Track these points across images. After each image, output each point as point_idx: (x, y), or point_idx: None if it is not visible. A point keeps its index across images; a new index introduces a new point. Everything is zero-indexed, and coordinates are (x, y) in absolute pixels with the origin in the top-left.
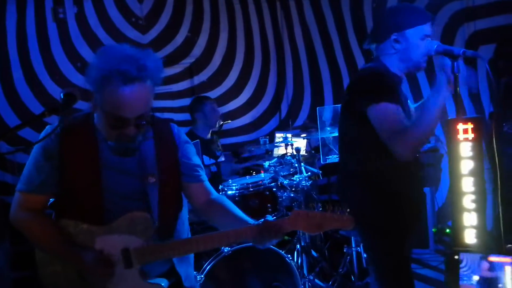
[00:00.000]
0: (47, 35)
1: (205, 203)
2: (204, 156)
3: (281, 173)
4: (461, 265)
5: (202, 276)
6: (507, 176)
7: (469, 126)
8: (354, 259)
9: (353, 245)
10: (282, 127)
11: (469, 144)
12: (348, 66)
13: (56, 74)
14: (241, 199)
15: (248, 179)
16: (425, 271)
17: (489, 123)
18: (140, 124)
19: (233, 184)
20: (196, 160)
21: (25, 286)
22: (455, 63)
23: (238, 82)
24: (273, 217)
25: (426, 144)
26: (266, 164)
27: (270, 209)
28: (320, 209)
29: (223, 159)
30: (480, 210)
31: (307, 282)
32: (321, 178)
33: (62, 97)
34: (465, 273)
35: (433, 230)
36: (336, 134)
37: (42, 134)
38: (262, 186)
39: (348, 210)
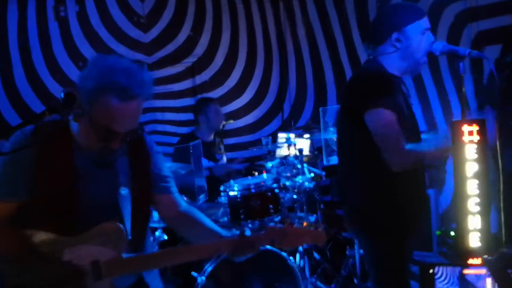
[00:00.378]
0: (49, 34)
1: (174, 215)
2: (203, 159)
3: (284, 174)
4: (439, 278)
5: (204, 277)
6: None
7: (474, 128)
8: (357, 261)
9: (356, 247)
10: (285, 128)
11: (474, 146)
12: (352, 66)
13: (57, 72)
14: (243, 200)
15: (250, 180)
16: None
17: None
18: (125, 139)
19: (235, 185)
20: (166, 171)
21: None
22: (461, 63)
23: (241, 82)
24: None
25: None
26: (269, 164)
27: (272, 210)
28: (295, 224)
29: (224, 161)
30: (485, 213)
31: (309, 284)
32: (324, 179)
33: (62, 96)
34: (444, 286)
35: (437, 232)
36: None
37: (13, 139)
38: (264, 187)
39: (321, 225)
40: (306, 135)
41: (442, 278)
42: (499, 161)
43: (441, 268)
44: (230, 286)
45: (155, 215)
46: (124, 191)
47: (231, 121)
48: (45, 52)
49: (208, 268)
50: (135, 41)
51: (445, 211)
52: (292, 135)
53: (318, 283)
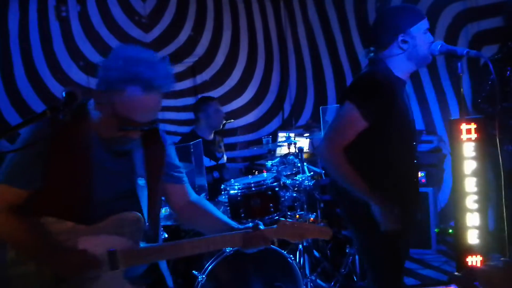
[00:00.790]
0: (50, 34)
1: (184, 205)
2: (205, 157)
3: (284, 172)
4: None
5: (204, 276)
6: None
7: (472, 126)
8: (356, 260)
9: (355, 244)
10: (285, 127)
11: (472, 144)
12: (352, 65)
13: (58, 72)
14: (243, 199)
15: (250, 179)
16: (427, 271)
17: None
18: (143, 129)
19: (236, 184)
20: (178, 162)
21: None
22: (459, 63)
23: (241, 81)
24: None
25: None
26: (269, 163)
27: (272, 209)
28: (302, 220)
29: (224, 160)
30: (483, 210)
31: (309, 283)
32: (323, 177)
33: (63, 96)
34: None
35: (435, 230)
36: None
37: (31, 130)
38: (265, 186)
39: (326, 222)
40: (306, 134)
41: None
42: (500, 159)
43: None
44: (230, 285)
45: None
46: (141, 181)
47: (232, 121)
48: (46, 51)
49: (209, 266)
50: (136, 40)
51: (443, 209)
52: (292, 134)
53: (318, 281)
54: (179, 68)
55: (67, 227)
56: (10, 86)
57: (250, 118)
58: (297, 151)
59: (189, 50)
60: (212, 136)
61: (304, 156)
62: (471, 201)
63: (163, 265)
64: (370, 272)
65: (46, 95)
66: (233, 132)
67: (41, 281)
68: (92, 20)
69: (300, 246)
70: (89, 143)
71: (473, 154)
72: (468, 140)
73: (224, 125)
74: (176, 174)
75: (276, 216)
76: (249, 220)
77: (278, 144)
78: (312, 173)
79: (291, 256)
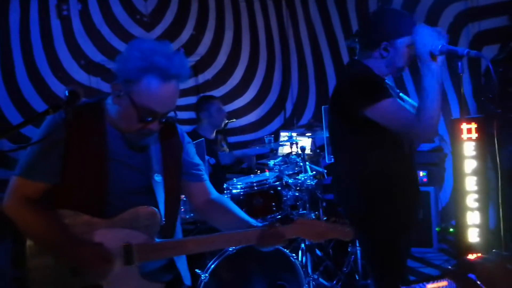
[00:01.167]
0: (51, 32)
1: (205, 202)
2: (206, 156)
3: (286, 172)
4: None
5: (207, 275)
6: (508, 175)
7: (473, 126)
8: (359, 258)
9: (358, 245)
10: (287, 126)
11: (473, 143)
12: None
13: (59, 71)
14: (246, 198)
15: (252, 178)
16: (429, 269)
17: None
18: (162, 121)
19: (238, 183)
20: (198, 159)
21: (27, 284)
22: (459, 63)
23: (243, 80)
24: (278, 218)
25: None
26: (271, 163)
27: (274, 208)
28: (324, 218)
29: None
30: (483, 209)
31: (311, 281)
32: (326, 177)
33: (66, 94)
34: None
35: (436, 229)
36: None
37: (47, 123)
38: (267, 185)
39: (349, 222)
40: (308, 134)
41: None
42: (497, 158)
43: None
44: (233, 283)
45: None
46: (158, 178)
47: (234, 120)
48: (47, 50)
49: (211, 265)
50: None
51: (444, 207)
52: (294, 134)
53: (321, 279)
54: None
55: (83, 220)
56: (11, 85)
57: (252, 118)
58: (299, 150)
59: (191, 49)
60: (214, 135)
61: (307, 156)
62: (471, 200)
63: (181, 263)
64: (371, 272)
65: (47, 94)
66: (235, 131)
67: (57, 274)
68: (94, 19)
69: (303, 244)
70: (106, 138)
71: (474, 153)
72: (468, 140)
73: (226, 124)
74: (195, 172)
75: (278, 215)
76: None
77: (280, 143)
78: (314, 172)
79: (294, 254)
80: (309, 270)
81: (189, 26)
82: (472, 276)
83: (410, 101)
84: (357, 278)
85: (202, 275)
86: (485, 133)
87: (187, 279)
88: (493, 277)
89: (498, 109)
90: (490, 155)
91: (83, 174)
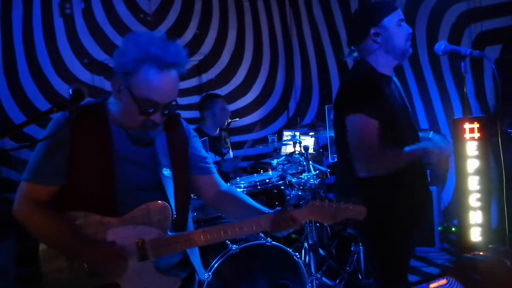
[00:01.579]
0: (54, 31)
1: (215, 195)
2: (210, 153)
3: (289, 171)
4: None
5: (210, 273)
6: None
7: (475, 125)
8: (361, 258)
9: (361, 244)
10: (290, 126)
11: (475, 143)
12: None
13: (62, 70)
14: (249, 197)
15: (256, 177)
16: (431, 269)
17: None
18: (164, 113)
19: (241, 182)
20: (204, 152)
21: (29, 283)
22: (462, 63)
23: (246, 80)
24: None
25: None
26: (274, 162)
27: (278, 207)
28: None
29: (230, 156)
30: (485, 208)
31: (314, 280)
32: (329, 176)
33: (70, 93)
34: None
35: (439, 228)
36: None
37: (52, 124)
38: (270, 184)
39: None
40: (312, 133)
41: None
42: (501, 158)
43: None
44: (236, 282)
45: None
46: (166, 172)
47: (237, 119)
48: (50, 49)
49: (215, 264)
50: None
51: (446, 207)
52: (297, 133)
53: (324, 279)
54: None
55: (95, 220)
56: (14, 84)
57: (256, 117)
58: (302, 149)
59: (195, 48)
60: (217, 132)
61: (310, 156)
62: (474, 199)
63: (195, 258)
64: (373, 272)
65: (50, 92)
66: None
67: (73, 276)
68: (97, 18)
69: (306, 244)
70: (111, 137)
71: (476, 153)
72: (471, 139)
73: (229, 123)
74: (203, 165)
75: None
76: None
77: (284, 142)
78: (317, 171)
79: (297, 254)
80: (312, 269)
81: (193, 25)
82: (471, 273)
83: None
84: (360, 277)
85: (206, 274)
86: (488, 132)
87: (201, 274)
88: (492, 273)
89: (501, 108)
90: (492, 154)
91: (91, 174)
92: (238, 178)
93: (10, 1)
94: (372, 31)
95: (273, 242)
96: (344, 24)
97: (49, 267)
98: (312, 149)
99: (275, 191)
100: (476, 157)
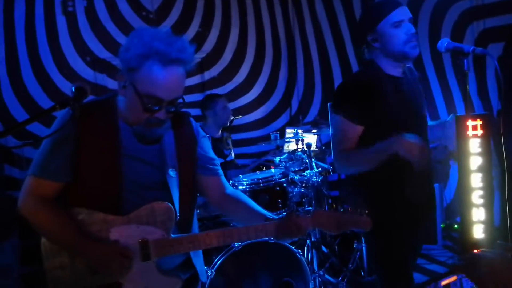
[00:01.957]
0: (56, 29)
1: (220, 197)
2: None
3: (292, 168)
4: None
5: (213, 271)
6: None
7: (478, 122)
8: (364, 255)
9: (363, 241)
10: (293, 123)
11: (478, 140)
12: (359, 62)
13: (65, 68)
14: (252, 195)
15: (258, 175)
16: (433, 266)
17: (497, 120)
18: (170, 110)
19: (244, 180)
20: (212, 154)
21: (33, 281)
22: (465, 60)
23: (249, 77)
24: (296, 212)
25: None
26: (277, 159)
27: (280, 205)
28: (341, 209)
29: (232, 157)
30: (488, 205)
31: (317, 278)
32: (331, 174)
33: (73, 91)
34: None
35: (441, 226)
36: None
37: (58, 121)
38: (273, 182)
39: (367, 211)
40: (314, 130)
41: None
42: (504, 155)
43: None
44: (239, 279)
45: None
46: (172, 173)
47: (239, 117)
48: (52, 47)
49: (218, 261)
50: None
51: (449, 204)
52: (300, 131)
53: (326, 276)
54: None
55: (99, 218)
56: (17, 82)
57: (258, 115)
58: (305, 147)
59: (197, 46)
60: (219, 133)
61: (312, 153)
62: (477, 196)
63: (197, 260)
64: (376, 270)
65: (53, 90)
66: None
67: (76, 273)
68: (99, 15)
69: (308, 241)
70: (119, 133)
71: (479, 150)
72: (474, 136)
73: (232, 121)
74: (211, 166)
75: (284, 212)
76: None
77: (286, 140)
78: (320, 169)
79: (300, 251)
80: (315, 267)
81: (195, 23)
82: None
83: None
84: (363, 274)
85: (209, 271)
86: (490, 130)
87: (203, 276)
88: (501, 269)
89: (504, 106)
90: (495, 152)
91: (97, 170)
92: (240, 175)
93: None
94: (369, 37)
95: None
96: (346, 22)
97: (52, 264)
98: (315, 147)
99: (278, 188)
100: (479, 154)
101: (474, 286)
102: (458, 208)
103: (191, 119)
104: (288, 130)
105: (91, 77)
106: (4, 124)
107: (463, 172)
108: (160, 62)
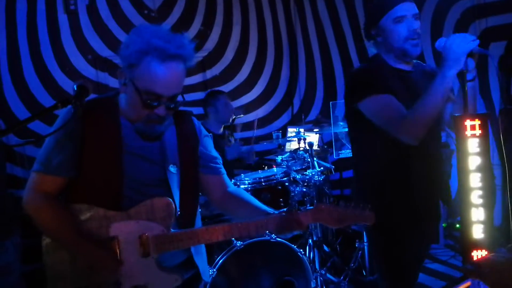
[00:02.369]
0: (58, 27)
1: (223, 195)
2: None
3: (294, 167)
4: None
5: (215, 270)
6: None
7: (477, 122)
8: (366, 254)
9: (365, 240)
10: (295, 122)
11: (477, 140)
12: (361, 60)
13: (67, 66)
14: (253, 194)
15: (260, 174)
16: (435, 265)
17: (499, 119)
18: (170, 107)
19: (246, 179)
20: (215, 152)
21: (35, 279)
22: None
23: (251, 76)
24: (297, 208)
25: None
26: (279, 158)
27: (282, 204)
28: (341, 203)
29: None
30: (488, 205)
31: (318, 277)
32: (333, 173)
33: (75, 89)
34: None
35: (443, 225)
36: None
37: (60, 119)
38: (275, 181)
39: (369, 206)
40: (316, 129)
41: None
42: (504, 155)
43: None
44: (240, 278)
45: None
46: (173, 169)
47: (241, 116)
48: (54, 45)
49: (219, 260)
50: None
51: (452, 203)
52: (302, 129)
53: (328, 275)
54: None
55: (99, 213)
56: (18, 80)
57: (260, 113)
58: (307, 146)
59: (199, 45)
60: (221, 130)
61: (314, 152)
62: (476, 197)
63: (199, 259)
64: (377, 269)
65: (54, 88)
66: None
67: (75, 269)
68: (101, 14)
69: (310, 240)
70: (121, 130)
71: (478, 149)
72: (472, 136)
73: (233, 120)
74: (213, 165)
75: (285, 209)
76: None
77: (288, 139)
78: (322, 168)
79: (301, 250)
80: (317, 266)
81: (197, 22)
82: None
83: None
84: (364, 273)
85: (210, 270)
86: (489, 130)
87: (205, 275)
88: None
89: (503, 105)
90: (497, 151)
91: (98, 167)
92: (242, 174)
93: None
94: (373, 32)
95: (277, 239)
96: (348, 20)
97: (51, 258)
98: (317, 146)
99: (280, 187)
100: (478, 154)
101: None
102: (459, 207)
103: (193, 118)
104: (290, 129)
105: (93, 76)
106: (6, 122)
107: (462, 172)
108: (158, 58)
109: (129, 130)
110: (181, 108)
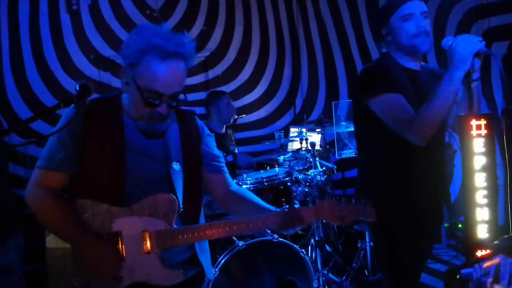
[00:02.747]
0: (60, 27)
1: (225, 194)
2: (223, 153)
3: (296, 167)
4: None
5: (217, 270)
6: None
7: (482, 122)
8: (368, 254)
9: (367, 240)
10: (297, 122)
11: (482, 140)
12: (364, 61)
13: (69, 66)
14: (256, 193)
15: (262, 174)
16: (438, 265)
17: (501, 119)
18: (172, 105)
19: (248, 179)
20: (218, 151)
21: (37, 278)
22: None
23: (253, 76)
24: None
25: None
26: (281, 158)
27: (284, 204)
28: (343, 200)
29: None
30: (492, 205)
31: (321, 277)
32: (335, 173)
33: (77, 88)
34: None
35: (445, 225)
36: (351, 128)
37: (63, 118)
38: (277, 181)
39: (371, 202)
40: (318, 129)
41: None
42: (506, 155)
43: None
44: (242, 278)
45: None
46: (176, 166)
47: (243, 115)
48: (56, 45)
49: (221, 260)
50: None
51: (453, 204)
52: (304, 129)
53: (330, 275)
54: None
55: (102, 209)
56: (21, 80)
57: (262, 113)
58: (309, 146)
59: (201, 44)
60: (224, 129)
61: (316, 153)
62: (480, 196)
63: (204, 257)
64: (381, 269)
65: (57, 88)
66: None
67: (77, 264)
68: (103, 13)
69: (312, 240)
70: (124, 128)
71: (483, 149)
72: (478, 136)
73: (236, 120)
74: (216, 163)
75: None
76: None
77: (290, 139)
78: (324, 168)
79: (303, 250)
80: (319, 266)
81: (199, 21)
82: None
83: None
84: (367, 273)
85: (212, 270)
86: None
87: (209, 273)
88: None
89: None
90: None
91: (102, 164)
92: (244, 174)
93: None
94: (384, 31)
95: (279, 239)
96: (351, 21)
97: (54, 253)
98: (319, 146)
99: (282, 187)
100: (483, 154)
101: None
102: (462, 207)
103: (196, 117)
104: (292, 129)
105: (95, 75)
106: (8, 122)
107: (466, 172)
108: (158, 56)
109: (132, 128)
110: (184, 107)
